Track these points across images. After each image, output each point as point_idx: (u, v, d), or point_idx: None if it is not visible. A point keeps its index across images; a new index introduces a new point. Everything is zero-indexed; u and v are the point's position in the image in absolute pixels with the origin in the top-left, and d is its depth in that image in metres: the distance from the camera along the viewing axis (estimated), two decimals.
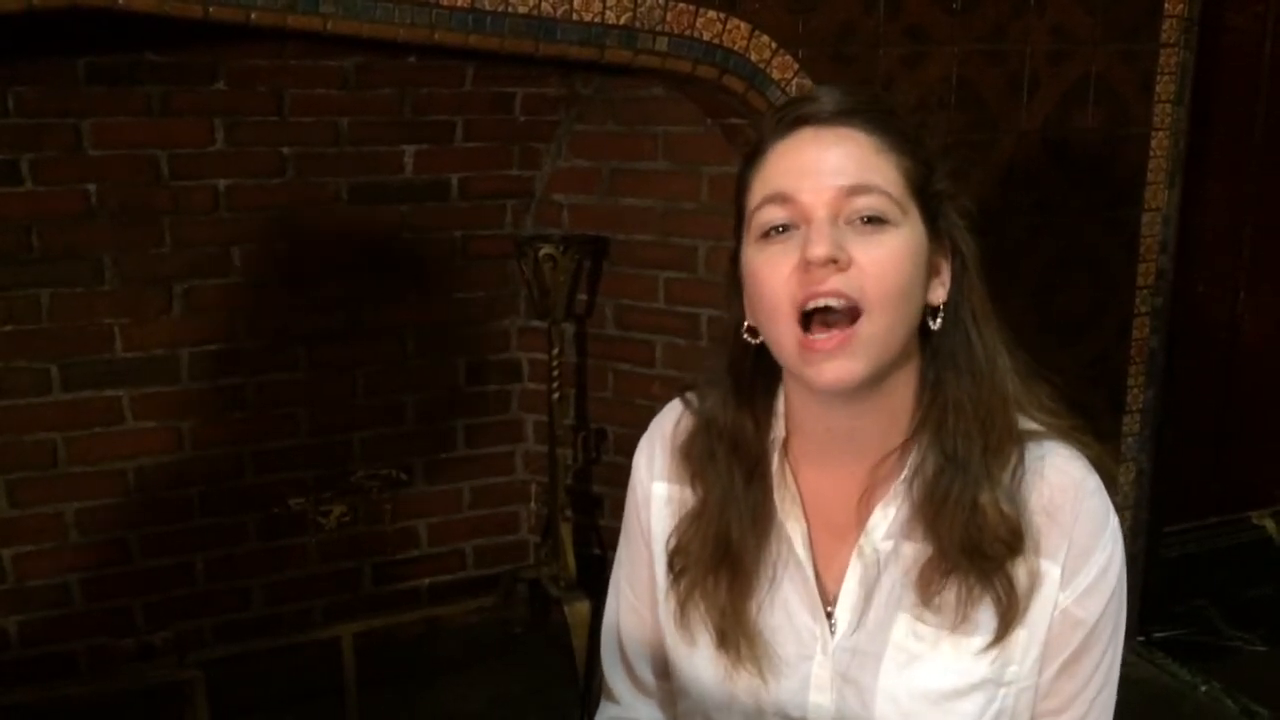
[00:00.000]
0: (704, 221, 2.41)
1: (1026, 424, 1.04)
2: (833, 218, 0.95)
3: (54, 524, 2.34)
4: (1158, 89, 2.34)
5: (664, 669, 1.15)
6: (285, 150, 2.36)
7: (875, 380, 0.98)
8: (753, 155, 1.04)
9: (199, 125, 2.28)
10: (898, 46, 2.12)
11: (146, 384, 2.37)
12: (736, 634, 1.04)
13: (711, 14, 1.99)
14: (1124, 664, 2.61)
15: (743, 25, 2.01)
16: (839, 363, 0.94)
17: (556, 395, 2.51)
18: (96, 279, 2.29)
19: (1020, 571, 0.99)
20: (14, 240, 2.21)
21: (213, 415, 2.44)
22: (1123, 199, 2.39)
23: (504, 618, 2.68)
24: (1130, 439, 2.54)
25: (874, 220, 0.95)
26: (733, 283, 1.06)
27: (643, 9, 1.94)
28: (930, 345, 1.02)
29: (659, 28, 1.95)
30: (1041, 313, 2.40)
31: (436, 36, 1.84)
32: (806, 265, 0.94)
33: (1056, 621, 1.00)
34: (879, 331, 0.95)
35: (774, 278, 0.96)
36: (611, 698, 1.22)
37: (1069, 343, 2.43)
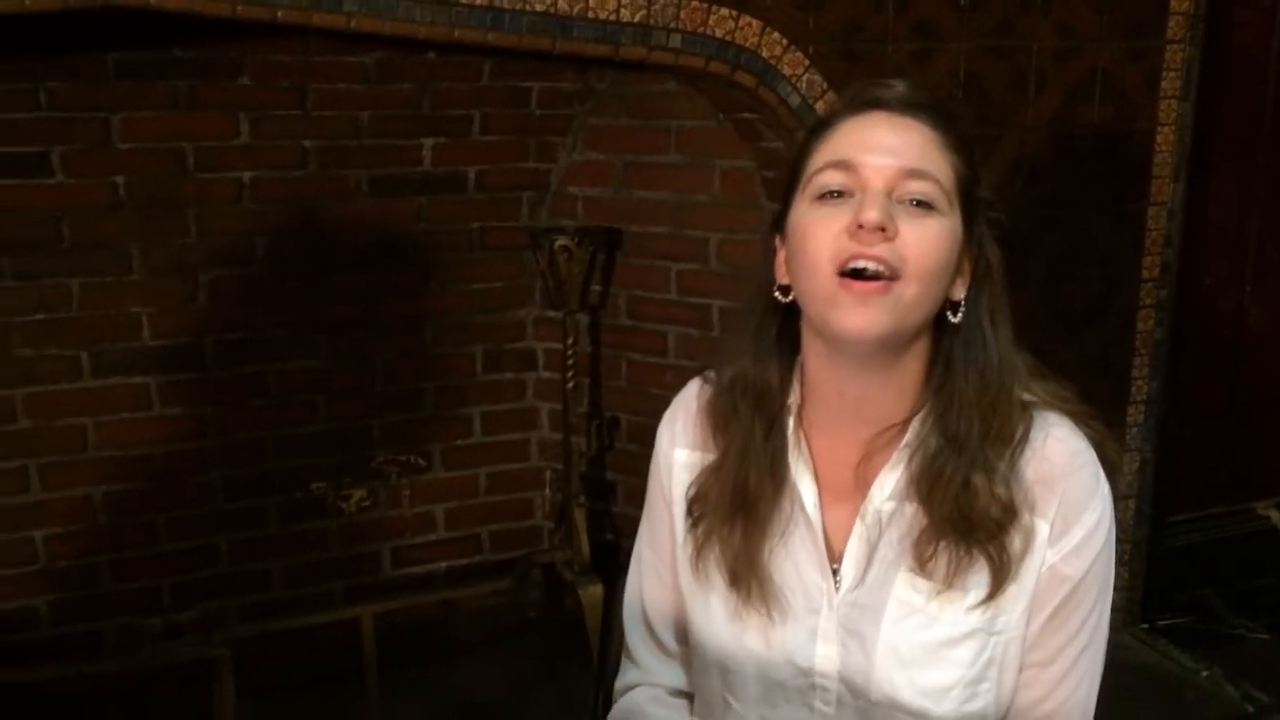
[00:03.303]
0: (716, 214, 2.47)
1: (1038, 406, 1.10)
2: (887, 192, 1.02)
3: (83, 506, 2.41)
4: (1164, 85, 2.38)
5: (684, 633, 1.22)
6: (307, 143, 2.42)
7: (889, 347, 1.04)
8: (820, 126, 1.11)
9: (224, 119, 2.34)
10: (906, 43, 2.17)
11: (172, 371, 2.43)
12: (748, 575, 1.10)
13: (724, 11, 2.04)
14: (1127, 650, 2.65)
15: (754, 22, 2.06)
16: (867, 311, 1.00)
17: (571, 384, 2.57)
18: (124, 269, 2.36)
19: (1014, 537, 1.05)
20: (45, 231, 2.28)
21: (236, 402, 2.50)
22: (1128, 194, 2.44)
23: (519, 601, 2.75)
24: (1135, 429, 2.58)
25: (923, 204, 1.02)
26: (768, 245, 1.14)
27: (656, 7, 1.99)
28: (946, 336, 1.09)
29: (672, 25, 2.00)
30: (1048, 305, 2.45)
31: (456, 34, 1.89)
32: (857, 228, 1.00)
33: (1044, 577, 1.06)
34: (910, 297, 1.01)
35: (824, 234, 1.02)
36: (633, 661, 1.28)
37: (1074, 334, 2.48)
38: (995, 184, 2.29)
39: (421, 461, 2.70)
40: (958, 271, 1.07)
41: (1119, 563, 2.64)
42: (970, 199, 1.07)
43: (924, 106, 1.06)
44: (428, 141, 2.52)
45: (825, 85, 2.12)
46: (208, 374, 2.47)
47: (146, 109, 2.27)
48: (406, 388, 2.66)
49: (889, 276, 1.00)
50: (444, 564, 2.77)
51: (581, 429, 2.68)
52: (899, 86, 1.07)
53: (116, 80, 2.23)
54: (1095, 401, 2.54)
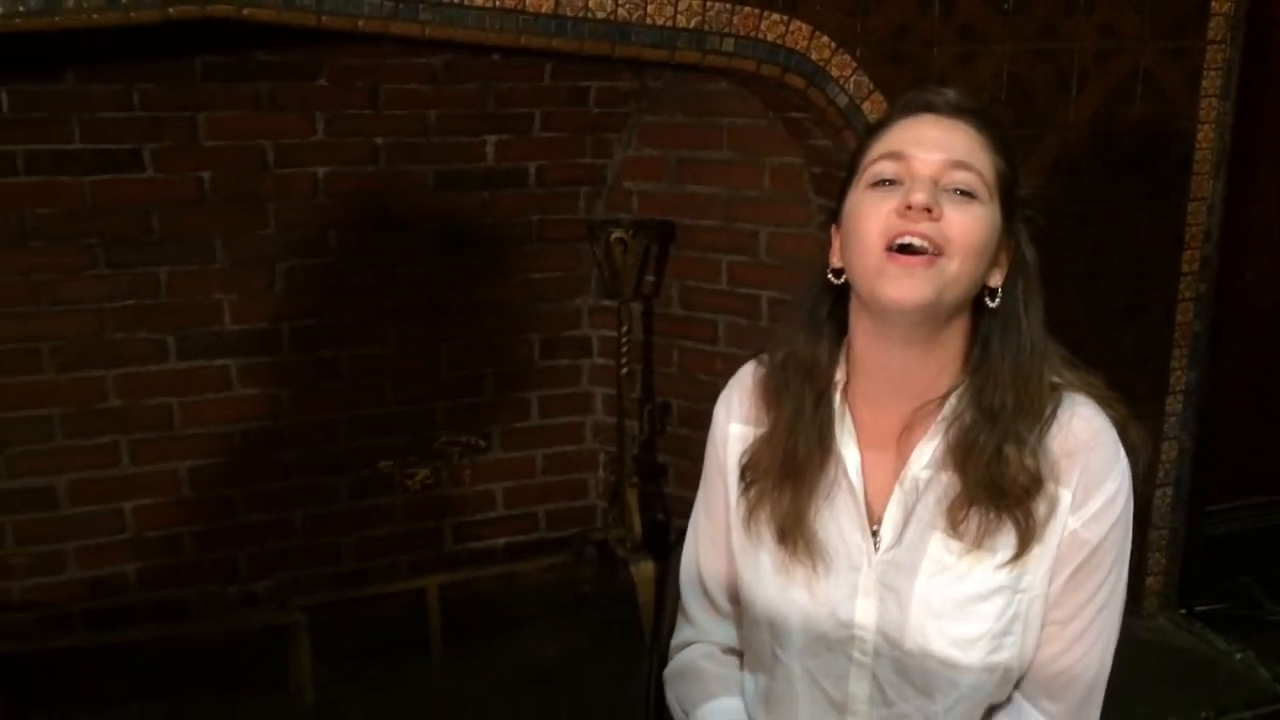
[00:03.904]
0: (765, 208, 2.57)
1: (1066, 388, 1.20)
2: (934, 180, 1.13)
3: (169, 480, 2.57)
4: (1204, 84, 2.44)
5: (735, 595, 1.33)
6: (379, 140, 2.55)
7: (930, 320, 1.14)
8: (876, 126, 1.24)
9: (302, 118, 2.48)
10: (951, 46, 2.25)
11: (251, 354, 2.58)
12: (796, 532, 1.22)
13: (775, 17, 2.13)
14: (1163, 633, 2.73)
15: (804, 27, 2.15)
16: (912, 282, 1.11)
17: (625, 370, 2.68)
18: (208, 258, 2.51)
19: (1040, 504, 1.16)
20: (137, 223, 2.43)
21: (310, 384, 2.65)
22: (1168, 190, 2.50)
23: (574, 576, 2.87)
24: (1173, 419, 2.65)
25: (966, 193, 1.13)
26: (824, 235, 1.25)
27: (711, 13, 2.09)
28: (984, 320, 1.19)
29: (726, 30, 2.10)
30: (1088, 299, 2.52)
31: (523, 40, 2.01)
32: (906, 209, 1.12)
33: (1066, 541, 1.16)
34: (952, 272, 1.11)
35: (875, 214, 1.14)
36: (689, 620, 1.40)
37: (1114, 327, 2.55)
38: (1036, 181, 2.37)
39: (482, 443, 2.82)
40: (995, 260, 1.17)
41: (1156, 548, 2.73)
42: (1009, 196, 1.17)
43: (970, 111, 1.18)
44: (491, 138, 2.64)
45: (872, 86, 2.21)
46: (284, 358, 2.61)
47: (231, 109, 2.41)
48: (468, 373, 2.79)
49: (934, 252, 1.11)
50: (503, 540, 2.90)
51: (634, 413, 2.79)
52: (948, 93, 1.20)
53: (203, 82, 2.37)
54: (1133, 392, 2.62)
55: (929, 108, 1.18)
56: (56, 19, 1.76)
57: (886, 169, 1.16)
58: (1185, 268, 2.56)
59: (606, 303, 2.75)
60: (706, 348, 2.74)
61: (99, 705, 2.35)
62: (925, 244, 1.11)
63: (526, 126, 2.66)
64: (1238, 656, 2.61)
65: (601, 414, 2.92)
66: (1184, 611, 2.82)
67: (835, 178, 1.27)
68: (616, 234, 2.56)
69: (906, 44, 2.22)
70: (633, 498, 2.70)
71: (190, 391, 2.55)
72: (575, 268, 2.81)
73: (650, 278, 2.74)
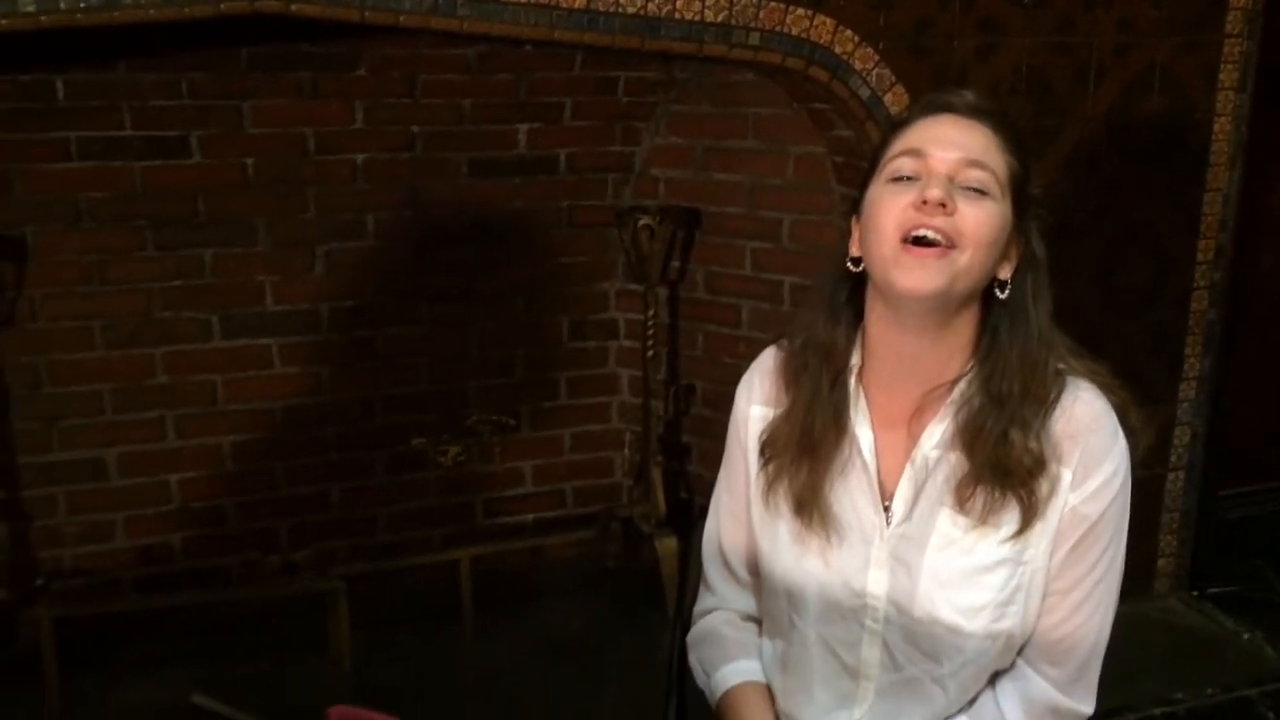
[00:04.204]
0: (789, 196, 2.64)
1: (1070, 374, 1.27)
2: (950, 177, 1.20)
3: (213, 454, 2.68)
4: (1221, 77, 2.48)
5: (754, 566, 1.41)
6: (415, 128, 2.64)
7: (941, 308, 1.21)
8: (898, 124, 1.30)
9: (342, 107, 2.57)
10: (971, 39, 2.31)
11: (292, 334, 2.68)
12: (812, 505, 1.30)
13: (800, 11, 2.20)
14: (1173, 613, 2.79)
15: (828, 21, 2.22)
16: (924, 272, 1.18)
17: (650, 352, 2.77)
18: (251, 241, 2.60)
19: (1043, 483, 1.23)
20: (184, 207, 2.53)
21: (347, 363, 2.75)
22: (1185, 180, 2.55)
23: (599, 551, 2.96)
24: (1186, 404, 2.71)
25: (979, 191, 1.20)
26: (845, 226, 1.32)
27: (737, 7, 2.16)
28: (994, 310, 1.26)
29: (752, 24, 2.17)
30: (1104, 286, 2.57)
31: (556, 35, 2.09)
32: (922, 203, 1.19)
33: (1066, 517, 1.23)
34: (963, 263, 1.18)
35: (893, 208, 1.21)
36: (710, 590, 1.48)
37: (1130, 314, 2.60)
38: (1053, 173, 2.43)
39: (512, 421, 2.90)
40: (1005, 254, 1.24)
41: (1167, 530, 2.79)
42: (1021, 194, 1.24)
43: (985, 113, 1.25)
44: (523, 126, 2.72)
45: (894, 79, 2.27)
46: (323, 337, 2.71)
47: (274, 97, 2.50)
48: (499, 353, 2.88)
49: (947, 244, 1.18)
50: (531, 516, 2.99)
51: (660, 394, 2.86)
52: (968, 95, 1.27)
53: (249, 72, 2.46)
54: (1148, 377, 2.69)
55: (948, 108, 1.25)
56: (115, 14, 1.85)
57: (905, 166, 1.22)
58: (1200, 257, 2.61)
59: (633, 287, 2.83)
60: (730, 331, 2.82)
61: (147, 666, 2.46)
62: (939, 237, 1.17)
63: (557, 115, 2.74)
64: (1246, 636, 2.68)
65: (628, 395, 3.00)
66: (1195, 593, 2.88)
67: (857, 167, 1.34)
68: (644, 220, 2.64)
69: (928, 37, 2.28)
70: (657, 476, 2.79)
71: (233, 369, 2.65)
72: (603, 252, 2.89)
73: (676, 263, 2.81)
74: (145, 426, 2.62)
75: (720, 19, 2.15)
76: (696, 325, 2.87)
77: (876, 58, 2.26)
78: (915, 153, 1.22)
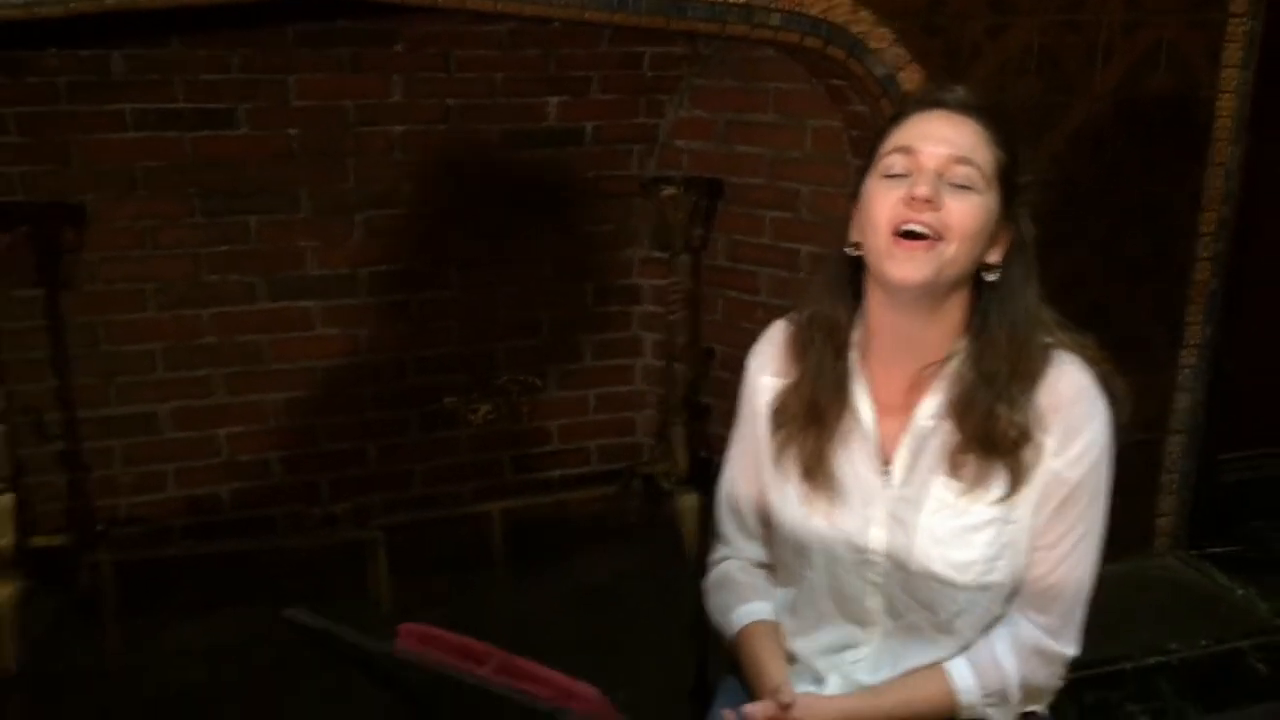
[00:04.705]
0: (808, 168, 2.74)
1: (1056, 348, 1.39)
2: (938, 174, 1.31)
3: (259, 410, 2.82)
4: (1225, 55, 2.56)
5: (764, 518, 1.54)
6: (450, 102, 2.75)
7: (930, 294, 1.33)
8: (896, 117, 1.41)
9: (381, 81, 2.68)
10: (983, 19, 2.39)
11: (332, 297, 2.81)
12: (818, 471, 1.43)
13: None
14: (1170, 570, 2.91)
15: (845, 2, 2.30)
16: (913, 264, 1.30)
17: (673, 317, 2.88)
18: (294, 208, 2.73)
19: (1028, 452, 1.35)
20: (231, 175, 2.65)
21: (384, 325, 2.88)
22: (1189, 155, 2.63)
23: (623, 507, 3.08)
24: (1187, 370, 2.80)
25: (965, 186, 1.31)
26: (849, 210, 1.43)
27: None
28: (984, 292, 1.38)
29: (772, 5, 2.26)
30: (1109, 257, 2.66)
31: (587, 15, 2.19)
32: (910, 199, 1.30)
33: (1049, 480, 1.36)
34: (950, 254, 1.31)
35: (885, 202, 1.33)
36: (724, 541, 1.62)
37: (1134, 284, 2.69)
38: (1062, 147, 2.53)
39: (539, 382, 3.02)
40: (993, 240, 1.35)
41: (1167, 491, 2.90)
42: (1009, 184, 1.35)
43: (975, 108, 1.36)
44: (552, 100, 2.83)
45: (908, 57, 2.36)
46: (361, 301, 2.84)
47: (318, 72, 2.62)
48: (528, 317, 3.00)
49: (934, 237, 1.29)
50: (557, 472, 3.12)
51: (681, 357, 2.96)
52: (959, 90, 1.38)
53: (294, 48, 2.58)
54: (1150, 344, 2.79)
55: (940, 103, 1.36)
56: None
57: (897, 163, 1.34)
58: (1204, 229, 2.70)
59: (657, 254, 2.94)
60: (749, 298, 2.93)
61: (198, 609, 2.61)
62: (926, 230, 1.29)
63: (585, 89, 2.84)
64: (1240, 592, 2.79)
65: (650, 358, 3.12)
66: (1194, 552, 2.98)
67: (872, 141, 1.44)
68: (667, 190, 2.75)
69: (941, 17, 2.37)
70: (678, 435, 2.91)
71: (277, 330, 2.79)
72: (628, 221, 2.99)
73: (698, 231, 2.90)
74: (195, 384, 2.76)
75: (742, 0, 2.25)
76: (717, 291, 2.98)
77: (892, 37, 2.35)
78: (906, 150, 1.33)
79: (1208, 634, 2.60)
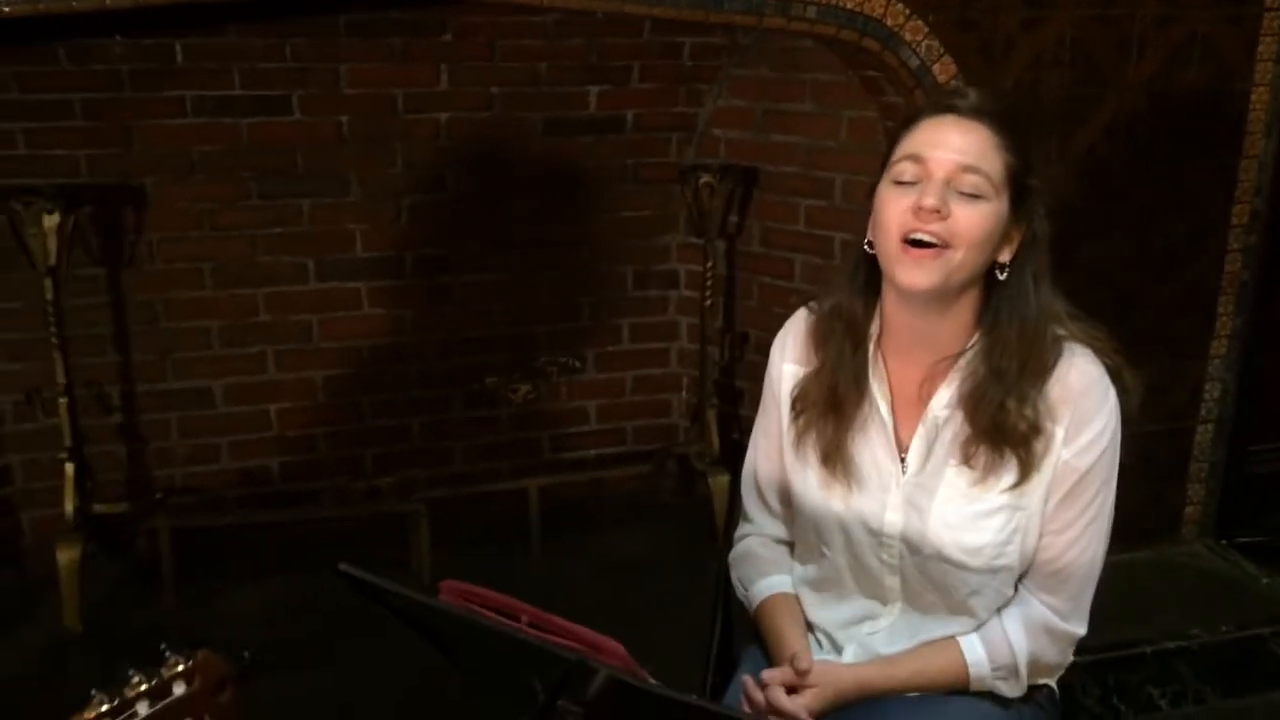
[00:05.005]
0: (842, 158, 2.80)
1: (1068, 340, 1.44)
2: (946, 182, 1.34)
3: (308, 387, 2.94)
4: (1260, 49, 2.58)
5: (785, 498, 1.61)
6: (494, 90, 2.84)
7: (941, 296, 1.38)
8: (909, 121, 1.43)
9: (428, 69, 2.77)
10: (1017, 12, 2.43)
11: (379, 279, 2.91)
12: (836, 457, 1.49)
13: None
14: (1197, 557, 2.95)
15: None
16: (921, 271, 1.35)
17: (708, 302, 2.95)
18: (344, 192, 2.83)
19: (1038, 443, 1.41)
20: (284, 160, 2.76)
21: (428, 306, 2.97)
22: (1221, 148, 2.66)
23: (657, 486, 3.18)
24: (1217, 360, 2.83)
25: (973, 195, 1.35)
26: (867, 208, 1.46)
27: None
28: (996, 289, 1.42)
29: None
30: (1141, 246, 2.69)
31: (626, 8, 2.25)
32: (919, 209, 1.34)
33: (1059, 468, 1.41)
34: (957, 261, 1.35)
35: (895, 210, 1.36)
36: (748, 519, 1.69)
37: (1165, 274, 2.72)
38: (1095, 137, 2.56)
39: (578, 364, 3.12)
40: (1004, 240, 1.38)
41: (1195, 480, 2.94)
42: (1019, 186, 1.38)
43: (986, 113, 1.38)
44: (594, 88, 2.91)
45: (942, 50, 2.40)
46: (406, 282, 2.94)
47: (368, 61, 2.72)
48: (568, 300, 3.09)
49: (941, 245, 1.33)
50: (594, 451, 3.21)
51: (716, 341, 3.05)
52: (971, 95, 1.41)
53: (345, 37, 2.68)
54: (1180, 333, 2.82)
55: (951, 109, 1.38)
56: None
57: (907, 170, 1.36)
58: (1235, 220, 2.72)
59: (694, 240, 3.00)
60: (784, 284, 2.99)
61: (249, 575, 2.74)
62: (934, 239, 1.33)
63: (626, 78, 2.92)
64: (1265, 581, 2.82)
65: (686, 341, 3.19)
66: (1223, 541, 3.01)
67: (887, 143, 1.48)
68: (705, 178, 2.81)
69: (975, 11, 2.41)
70: (712, 417, 2.99)
71: (327, 309, 2.89)
72: (666, 207, 3.06)
73: (734, 218, 2.99)
74: (248, 360, 2.88)
75: None
76: (752, 277, 3.05)
77: (926, 30, 2.39)
78: (916, 158, 1.36)
79: (1230, 620, 2.64)
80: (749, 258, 3.04)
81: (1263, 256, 2.80)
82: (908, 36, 2.39)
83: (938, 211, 1.33)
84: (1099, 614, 2.44)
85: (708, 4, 2.29)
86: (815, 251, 2.90)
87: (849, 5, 2.35)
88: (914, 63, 2.41)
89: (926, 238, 1.34)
